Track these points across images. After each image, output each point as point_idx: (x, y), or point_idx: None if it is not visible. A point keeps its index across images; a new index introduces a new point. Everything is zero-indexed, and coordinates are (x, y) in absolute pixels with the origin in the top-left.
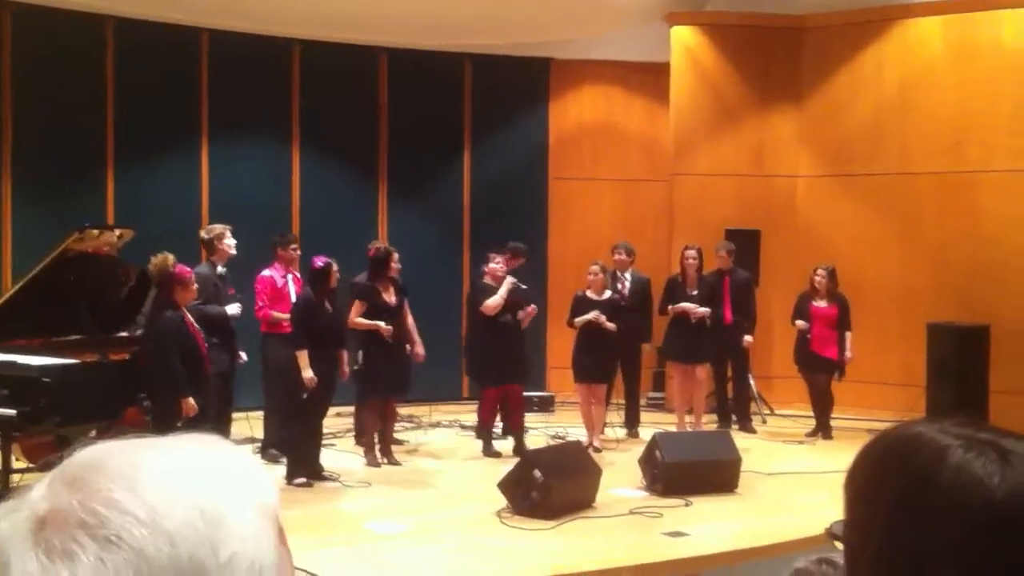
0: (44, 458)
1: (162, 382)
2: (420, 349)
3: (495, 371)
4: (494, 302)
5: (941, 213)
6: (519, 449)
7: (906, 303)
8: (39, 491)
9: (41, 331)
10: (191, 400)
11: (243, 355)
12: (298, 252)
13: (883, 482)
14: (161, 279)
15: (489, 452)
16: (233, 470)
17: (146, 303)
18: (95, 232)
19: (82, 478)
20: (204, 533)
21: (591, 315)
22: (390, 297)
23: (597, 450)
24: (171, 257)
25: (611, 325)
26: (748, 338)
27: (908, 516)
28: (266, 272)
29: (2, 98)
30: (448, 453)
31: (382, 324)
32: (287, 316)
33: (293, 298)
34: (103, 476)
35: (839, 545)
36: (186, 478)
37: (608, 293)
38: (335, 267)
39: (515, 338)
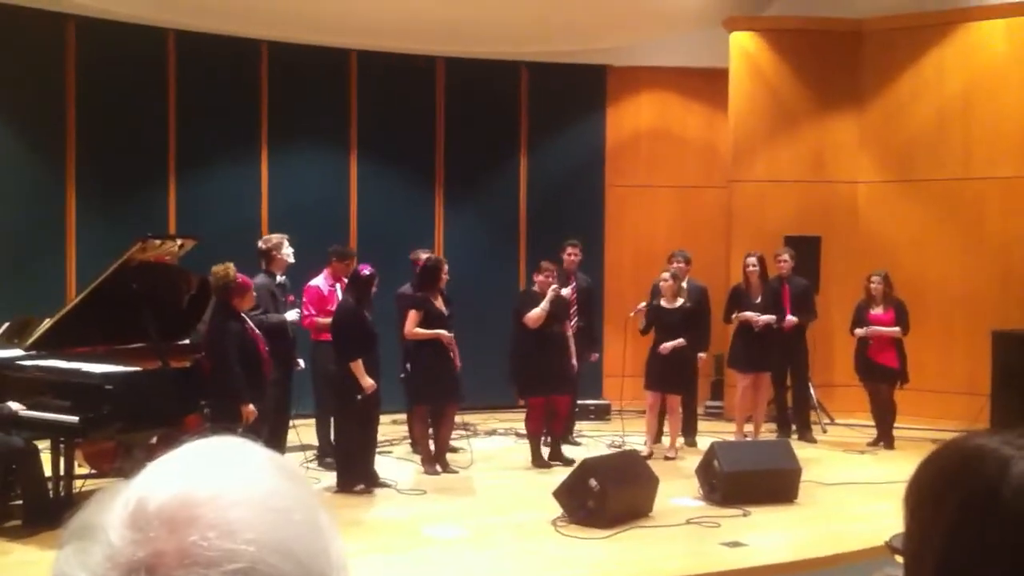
0: (104, 464)
1: (223, 388)
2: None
3: (539, 381)
4: (535, 315)
5: (1005, 219)
6: (555, 455)
7: (970, 310)
8: (120, 535)
9: (104, 339)
10: (251, 406)
11: (301, 362)
12: (351, 266)
13: (944, 495)
14: (221, 287)
15: (538, 462)
16: (297, 473)
17: (208, 311)
18: (157, 242)
19: (184, 516)
20: (318, 544)
21: (640, 306)
22: (441, 306)
23: (671, 458)
24: (232, 267)
25: (680, 341)
26: (783, 319)
27: (970, 529)
28: (313, 282)
29: (66, 109)
30: (504, 461)
31: (444, 332)
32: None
33: None
34: (208, 510)
35: (899, 559)
36: (280, 494)
37: (680, 301)
38: (377, 279)
39: (559, 349)
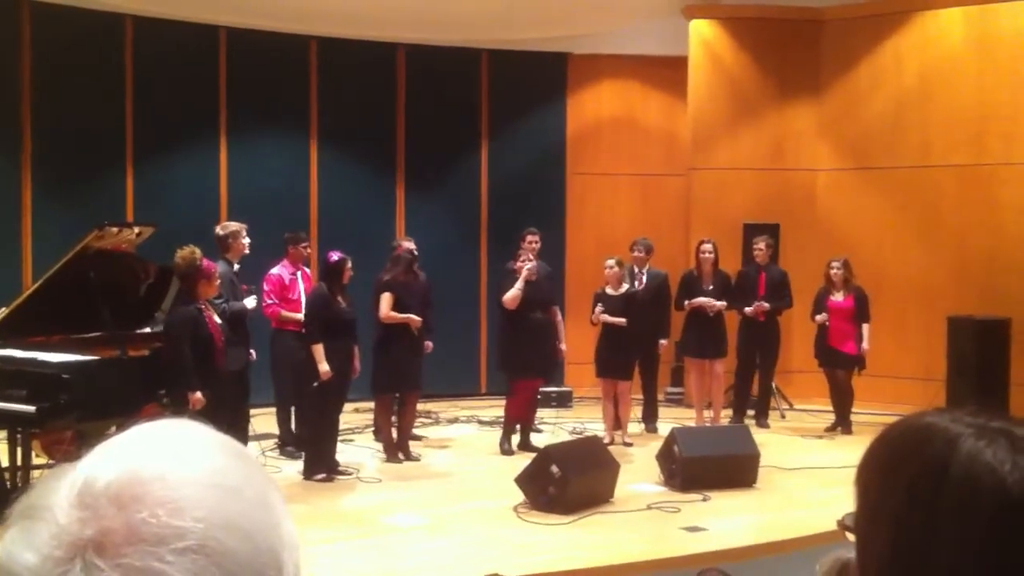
0: (63, 454)
1: (174, 375)
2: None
3: (528, 365)
4: (511, 295)
5: (962, 206)
6: (524, 444)
7: (926, 297)
8: (66, 514)
9: (61, 328)
10: (199, 394)
11: (252, 353)
12: (309, 250)
13: (894, 472)
14: (186, 272)
15: (505, 449)
16: (246, 453)
17: (166, 299)
18: (114, 230)
19: (132, 494)
20: (268, 521)
21: (597, 311)
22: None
23: (628, 444)
24: (198, 250)
25: (621, 320)
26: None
27: (919, 506)
28: (274, 270)
29: (22, 96)
30: (466, 448)
31: (414, 317)
32: (295, 315)
33: (302, 295)
34: (157, 487)
35: (851, 537)
36: (228, 472)
37: (625, 287)
38: (349, 263)
39: (545, 334)
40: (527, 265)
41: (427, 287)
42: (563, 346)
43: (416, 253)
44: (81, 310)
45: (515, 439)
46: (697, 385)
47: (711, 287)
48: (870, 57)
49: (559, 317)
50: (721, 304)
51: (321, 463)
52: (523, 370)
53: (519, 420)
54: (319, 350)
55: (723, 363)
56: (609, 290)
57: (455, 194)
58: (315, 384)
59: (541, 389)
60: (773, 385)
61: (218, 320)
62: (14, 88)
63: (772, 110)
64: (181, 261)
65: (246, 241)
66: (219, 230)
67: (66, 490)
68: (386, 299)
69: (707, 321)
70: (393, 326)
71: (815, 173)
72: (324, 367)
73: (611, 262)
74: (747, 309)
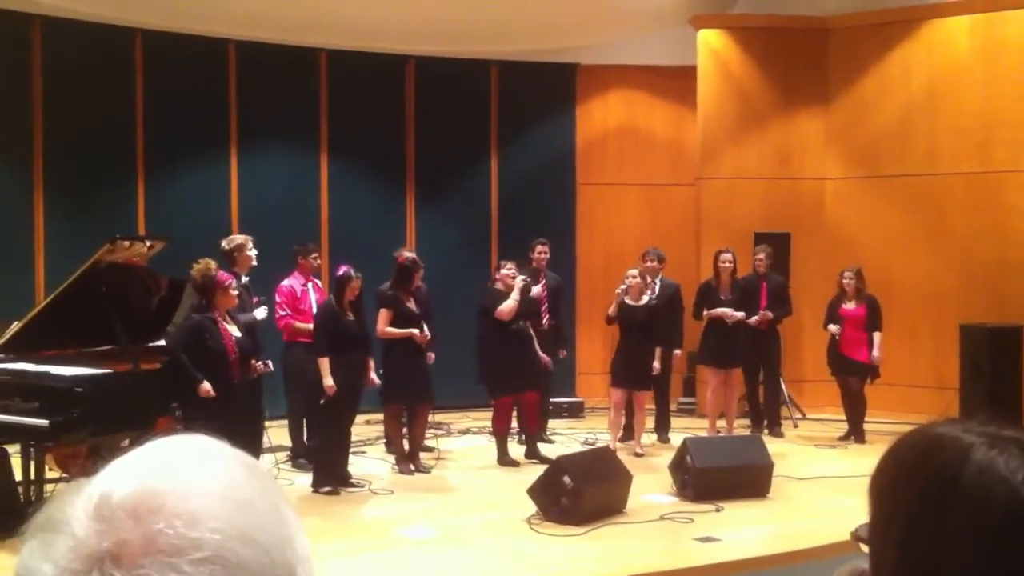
0: (77, 468)
1: (179, 384)
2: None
3: (507, 380)
4: (508, 306)
5: (970, 213)
6: (531, 453)
7: (936, 304)
8: (84, 527)
9: (74, 342)
10: (206, 384)
11: (270, 364)
12: (319, 261)
13: (906, 482)
14: (203, 284)
15: (505, 461)
16: (259, 467)
17: (178, 312)
18: (126, 243)
19: (148, 507)
20: (283, 534)
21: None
22: (412, 305)
23: (640, 454)
24: (213, 263)
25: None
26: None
27: (932, 514)
28: (285, 282)
29: (33, 110)
30: (477, 460)
31: (416, 331)
32: (306, 327)
33: (313, 306)
34: (172, 500)
35: (864, 548)
36: (243, 485)
37: (645, 298)
38: (355, 278)
39: (525, 345)
40: (520, 277)
41: (427, 298)
42: (543, 355)
43: (416, 264)
44: (94, 324)
45: (520, 449)
46: (714, 395)
47: (728, 297)
48: (877, 66)
49: (531, 331)
50: (739, 314)
51: (329, 476)
52: (503, 388)
53: (505, 432)
54: (325, 364)
55: (739, 373)
56: (629, 300)
57: (465, 205)
58: (322, 401)
59: (553, 400)
60: (785, 394)
61: (236, 332)
62: (25, 102)
63: (780, 119)
64: (197, 275)
65: (252, 253)
66: (225, 244)
67: (83, 503)
68: (383, 315)
69: (726, 331)
70: (396, 339)
71: (823, 182)
72: (328, 381)
73: (634, 272)
74: (752, 319)
